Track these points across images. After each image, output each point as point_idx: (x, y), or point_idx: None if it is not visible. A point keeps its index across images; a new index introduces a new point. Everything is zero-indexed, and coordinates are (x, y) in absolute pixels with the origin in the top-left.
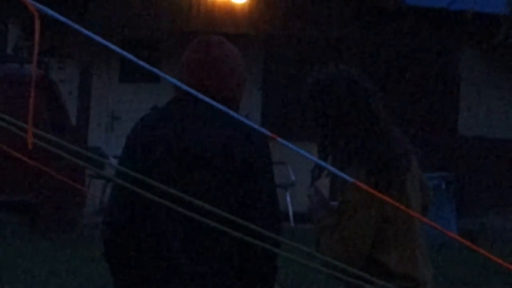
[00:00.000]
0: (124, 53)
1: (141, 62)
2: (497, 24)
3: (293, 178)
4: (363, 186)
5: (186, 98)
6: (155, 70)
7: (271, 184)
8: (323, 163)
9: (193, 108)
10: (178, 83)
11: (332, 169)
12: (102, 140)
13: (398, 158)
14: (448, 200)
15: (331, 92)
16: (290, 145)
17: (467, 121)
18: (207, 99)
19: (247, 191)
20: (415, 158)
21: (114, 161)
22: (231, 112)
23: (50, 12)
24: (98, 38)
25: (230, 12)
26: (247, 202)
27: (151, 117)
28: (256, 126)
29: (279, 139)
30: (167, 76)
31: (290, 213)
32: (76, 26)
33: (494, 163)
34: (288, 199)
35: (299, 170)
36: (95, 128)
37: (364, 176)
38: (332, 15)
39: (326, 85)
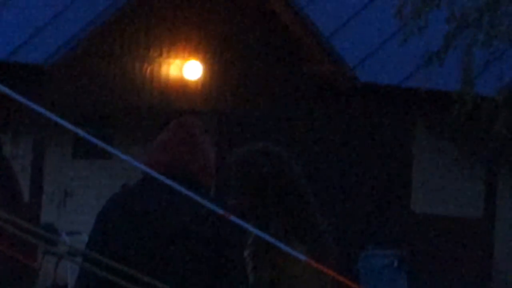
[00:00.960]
0: (77, 129)
1: (93, 139)
2: (450, 101)
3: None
4: (317, 264)
5: (149, 176)
6: (108, 147)
7: (240, 259)
8: (272, 240)
9: (164, 187)
10: (131, 160)
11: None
12: (55, 216)
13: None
14: (401, 277)
15: (253, 168)
16: (243, 223)
17: (420, 198)
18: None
19: (217, 266)
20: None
21: (66, 238)
22: (192, 193)
23: (2, 88)
24: (50, 115)
25: (184, 88)
26: (218, 276)
27: (122, 196)
28: (208, 204)
29: (232, 217)
30: (119, 153)
31: None
32: (29, 103)
33: (447, 241)
34: None
35: None
36: (48, 204)
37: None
38: (286, 93)
39: (248, 161)
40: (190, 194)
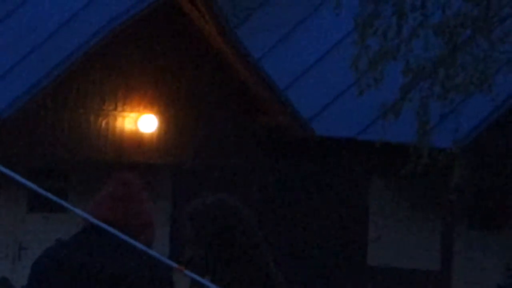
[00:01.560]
0: (31, 184)
1: (47, 193)
2: (406, 154)
3: None
4: None
5: (94, 231)
6: (62, 201)
7: None
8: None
9: (100, 241)
10: (85, 215)
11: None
12: (10, 271)
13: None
14: None
15: (208, 219)
16: (196, 277)
17: (376, 252)
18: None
19: None
20: None
21: None
22: (138, 244)
23: None
24: (4, 169)
25: (139, 141)
26: None
27: (55, 250)
28: (163, 258)
29: (186, 272)
30: (73, 207)
31: None
32: None
33: None
34: None
35: None
36: (2, 258)
37: None
38: (241, 145)
39: (203, 213)
40: (139, 246)
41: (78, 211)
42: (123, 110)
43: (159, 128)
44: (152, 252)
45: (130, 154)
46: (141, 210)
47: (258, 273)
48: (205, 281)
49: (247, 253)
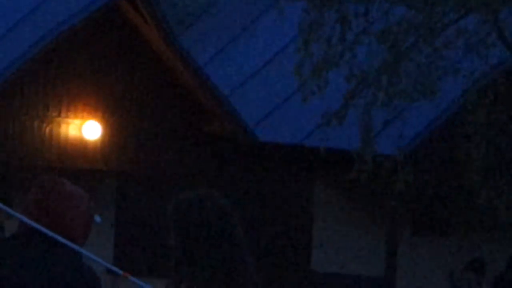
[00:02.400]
0: None
1: None
2: (350, 160)
3: None
4: None
5: (26, 236)
6: (6, 207)
7: None
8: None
9: (33, 246)
10: (28, 221)
11: None
12: None
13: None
14: None
15: (194, 210)
16: (140, 282)
17: (320, 257)
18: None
19: None
20: None
21: None
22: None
23: None
24: None
25: (83, 148)
26: None
27: None
28: (106, 264)
29: (131, 277)
30: (16, 214)
31: None
32: None
33: None
34: None
35: None
36: None
37: None
38: (185, 151)
39: (189, 204)
40: (76, 248)
41: (21, 216)
42: (67, 117)
43: (103, 134)
44: (97, 259)
45: (74, 161)
46: (65, 213)
47: (235, 271)
48: (146, 285)
49: (227, 250)
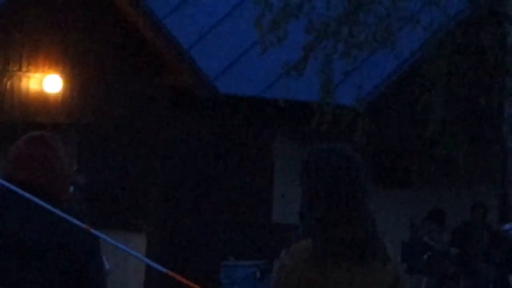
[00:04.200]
0: None
1: None
2: (310, 112)
3: (107, 267)
4: None
5: (7, 193)
6: None
7: (98, 274)
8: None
9: (14, 203)
10: (1, 181)
11: None
12: None
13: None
14: None
15: (330, 165)
16: (102, 235)
17: (281, 209)
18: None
19: (77, 280)
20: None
21: None
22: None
23: None
24: None
25: (44, 101)
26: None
27: None
28: (68, 217)
29: (92, 230)
30: None
31: None
32: None
33: None
34: None
35: (112, 258)
36: None
37: None
38: (145, 105)
39: (325, 158)
40: (51, 208)
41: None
42: (28, 71)
43: (64, 88)
44: (60, 213)
45: (36, 114)
46: (61, 168)
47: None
48: (108, 239)
49: (357, 206)
